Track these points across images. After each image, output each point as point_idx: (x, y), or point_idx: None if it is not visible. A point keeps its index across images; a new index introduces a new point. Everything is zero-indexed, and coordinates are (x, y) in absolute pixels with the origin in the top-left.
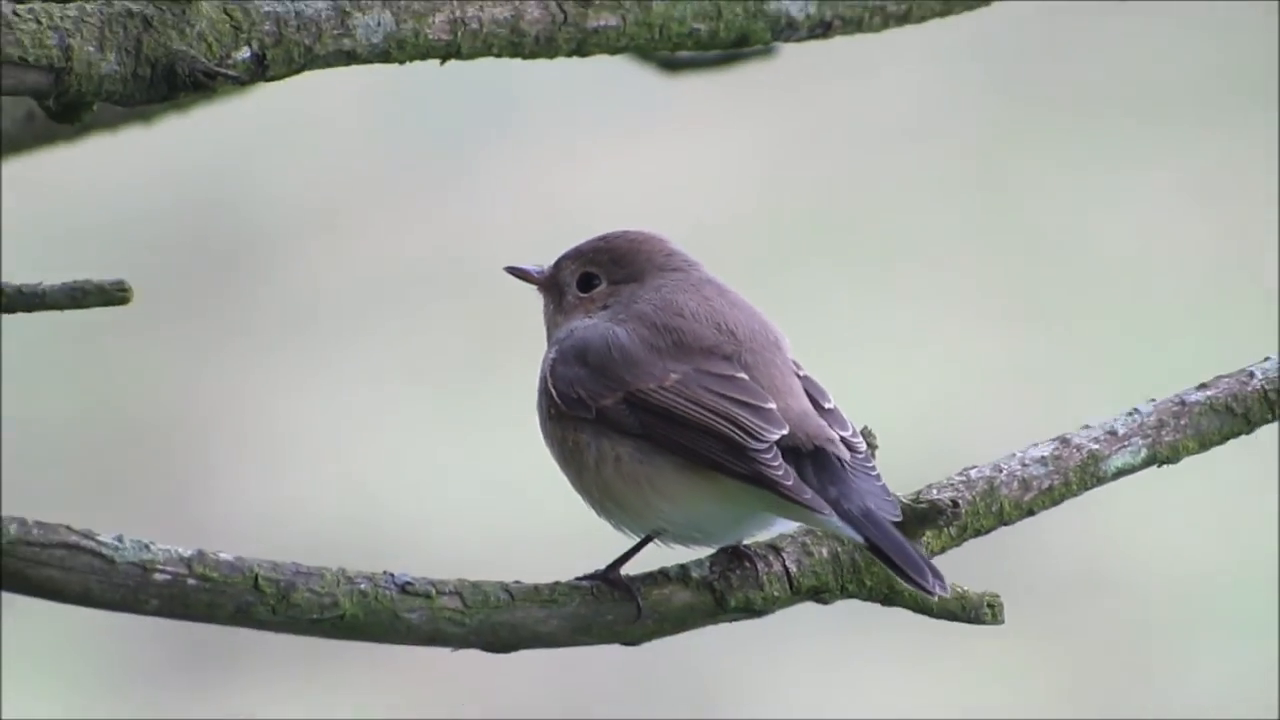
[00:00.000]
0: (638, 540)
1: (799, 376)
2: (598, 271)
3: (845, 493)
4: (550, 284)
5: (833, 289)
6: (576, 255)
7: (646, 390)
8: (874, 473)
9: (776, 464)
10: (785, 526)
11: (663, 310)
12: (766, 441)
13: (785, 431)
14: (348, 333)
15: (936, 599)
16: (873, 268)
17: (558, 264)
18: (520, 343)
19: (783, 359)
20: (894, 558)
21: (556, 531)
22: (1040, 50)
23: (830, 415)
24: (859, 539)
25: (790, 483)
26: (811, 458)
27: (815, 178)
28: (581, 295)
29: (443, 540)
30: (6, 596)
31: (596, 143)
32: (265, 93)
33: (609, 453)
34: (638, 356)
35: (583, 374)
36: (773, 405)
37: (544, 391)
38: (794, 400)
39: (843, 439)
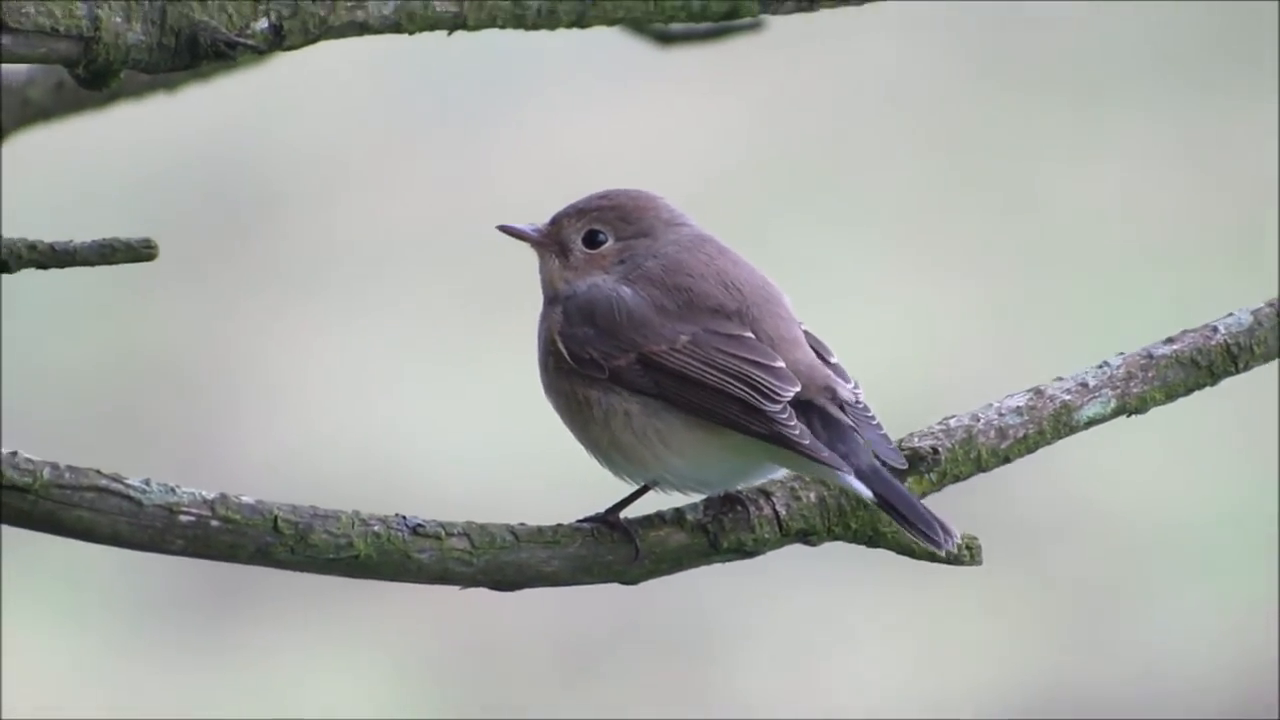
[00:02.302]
0: (638, 487)
1: (803, 332)
2: (603, 229)
3: (854, 449)
4: (550, 241)
5: (815, 245)
6: (578, 213)
7: (660, 352)
8: (875, 423)
9: (793, 424)
10: (779, 473)
11: (672, 270)
12: (781, 401)
13: (798, 388)
14: (361, 287)
15: (945, 553)
16: (853, 225)
17: (556, 221)
18: (523, 298)
19: (786, 313)
20: (905, 514)
21: (559, 477)
22: (1012, 19)
23: (834, 369)
24: (869, 495)
25: (807, 442)
26: (820, 411)
27: (798, 142)
28: (589, 252)
29: (452, 484)
30: (12, 539)
31: (593, 110)
32: (283, 60)
33: (618, 408)
34: (646, 318)
35: (592, 334)
36: (782, 363)
37: (549, 350)
38: (801, 353)
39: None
